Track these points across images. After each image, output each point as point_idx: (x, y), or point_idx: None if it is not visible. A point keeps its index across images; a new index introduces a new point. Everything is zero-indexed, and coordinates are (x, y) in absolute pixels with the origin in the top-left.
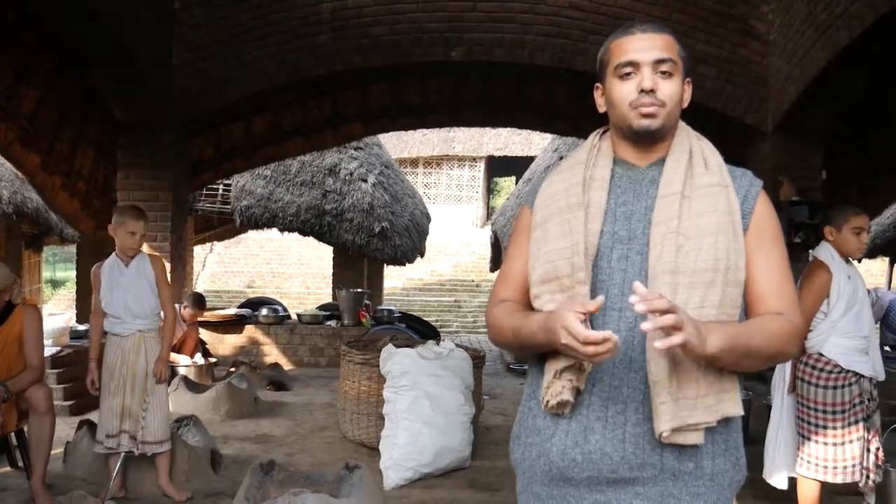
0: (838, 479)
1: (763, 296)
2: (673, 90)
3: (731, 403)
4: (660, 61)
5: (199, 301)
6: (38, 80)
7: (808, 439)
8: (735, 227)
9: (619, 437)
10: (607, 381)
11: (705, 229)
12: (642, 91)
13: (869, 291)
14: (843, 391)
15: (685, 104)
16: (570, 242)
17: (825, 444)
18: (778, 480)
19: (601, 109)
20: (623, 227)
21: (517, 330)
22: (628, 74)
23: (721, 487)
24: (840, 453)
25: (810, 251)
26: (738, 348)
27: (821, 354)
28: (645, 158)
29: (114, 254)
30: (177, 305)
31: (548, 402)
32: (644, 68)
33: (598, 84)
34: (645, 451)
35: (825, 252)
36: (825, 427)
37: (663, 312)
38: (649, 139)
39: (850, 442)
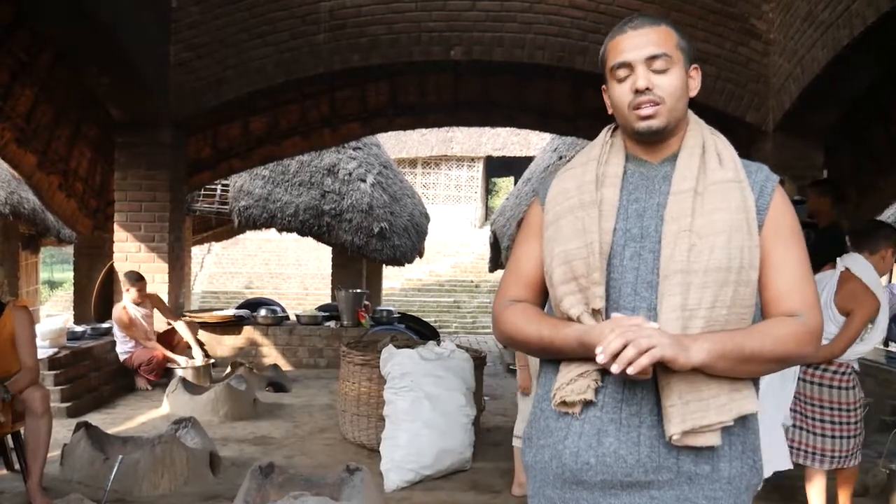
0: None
1: (780, 295)
2: (671, 84)
3: (747, 401)
4: (653, 58)
5: (134, 276)
6: (34, 80)
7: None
8: (750, 224)
9: (634, 440)
10: (621, 382)
11: (719, 227)
12: (637, 91)
13: None
14: (859, 389)
15: (693, 92)
16: (584, 242)
17: (855, 437)
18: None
19: (609, 111)
20: (635, 225)
21: (548, 340)
22: (624, 76)
23: (738, 491)
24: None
25: (849, 265)
26: (730, 355)
27: (839, 361)
28: (657, 154)
29: None
30: (124, 302)
31: (564, 398)
32: (638, 67)
33: (603, 86)
34: (660, 454)
35: (871, 275)
36: (857, 423)
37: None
38: (654, 138)
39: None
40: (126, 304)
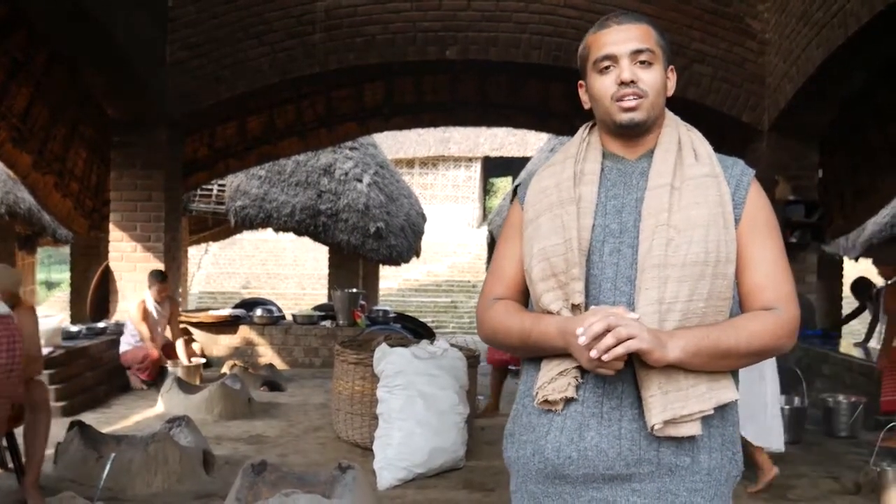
0: None
1: (757, 288)
2: (653, 79)
3: (726, 390)
4: (637, 52)
5: (155, 275)
6: (30, 79)
7: None
8: (726, 218)
9: (615, 434)
10: (602, 376)
11: (696, 221)
12: (622, 83)
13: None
14: None
15: (670, 92)
16: (563, 238)
17: None
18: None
19: (586, 106)
20: (614, 221)
21: (527, 333)
22: (607, 68)
23: (718, 482)
24: None
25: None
26: (705, 352)
27: None
28: (634, 151)
29: None
30: (144, 297)
31: (546, 397)
32: (622, 60)
33: (581, 81)
34: (641, 447)
35: None
36: None
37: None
38: (635, 132)
39: None
40: (146, 298)
